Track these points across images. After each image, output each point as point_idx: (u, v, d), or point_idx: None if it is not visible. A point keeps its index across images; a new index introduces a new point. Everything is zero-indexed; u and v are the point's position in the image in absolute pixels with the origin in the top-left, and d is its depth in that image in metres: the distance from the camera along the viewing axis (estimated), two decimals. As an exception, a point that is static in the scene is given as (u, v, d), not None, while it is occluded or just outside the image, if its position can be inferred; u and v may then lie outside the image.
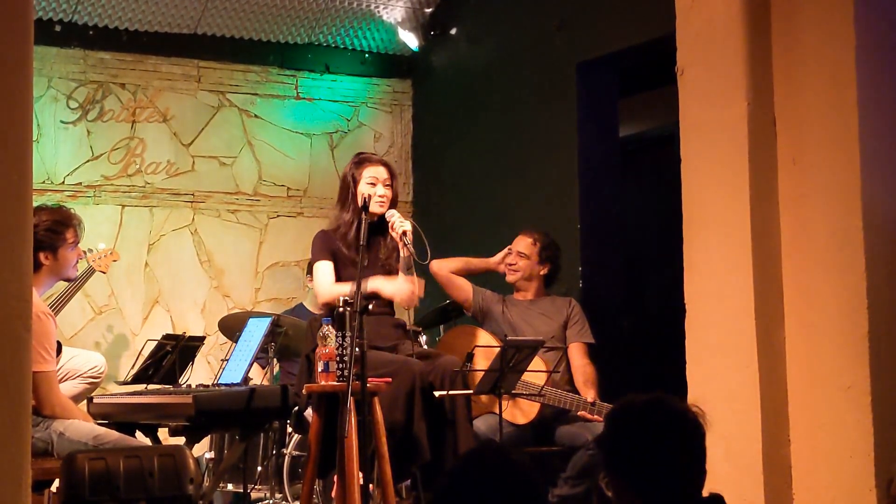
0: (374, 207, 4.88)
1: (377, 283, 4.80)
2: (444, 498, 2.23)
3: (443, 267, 5.84)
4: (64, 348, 5.22)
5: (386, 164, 5.04)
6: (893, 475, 3.32)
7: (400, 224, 4.81)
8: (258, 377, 6.04)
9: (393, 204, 4.96)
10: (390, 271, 4.92)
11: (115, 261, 6.54)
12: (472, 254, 6.05)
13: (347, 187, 4.97)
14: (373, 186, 4.91)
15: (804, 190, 4.00)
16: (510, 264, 5.90)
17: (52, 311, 5.51)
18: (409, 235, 4.79)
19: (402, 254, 4.85)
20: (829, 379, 3.89)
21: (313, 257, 5.00)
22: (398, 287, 4.83)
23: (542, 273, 5.91)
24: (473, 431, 4.88)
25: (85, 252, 6.20)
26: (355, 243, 4.81)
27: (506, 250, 5.95)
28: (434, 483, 2.32)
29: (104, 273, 6.53)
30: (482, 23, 7.41)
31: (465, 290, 5.88)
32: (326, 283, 4.86)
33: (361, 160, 5.02)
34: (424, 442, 4.60)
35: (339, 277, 4.88)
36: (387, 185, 4.94)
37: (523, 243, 5.91)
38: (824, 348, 3.91)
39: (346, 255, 4.87)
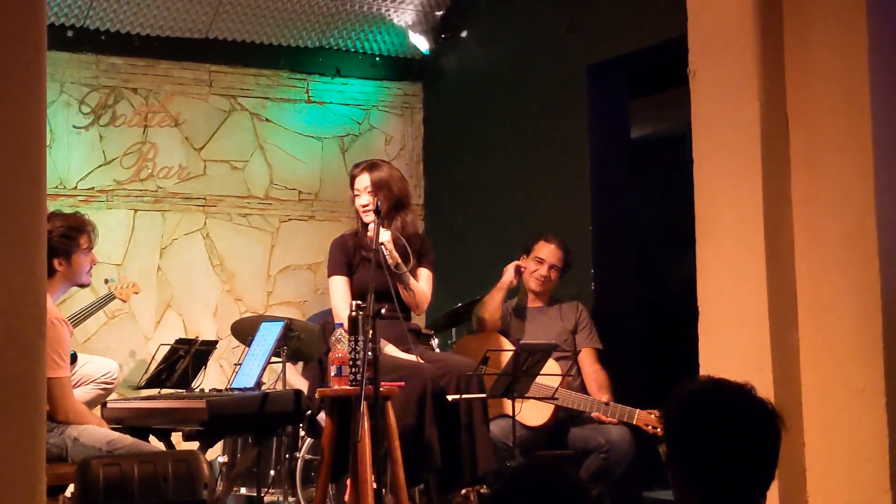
0: (364, 218, 4.97)
1: (391, 350, 4.82)
2: None
3: (492, 318, 5.78)
4: (78, 355, 5.23)
5: (368, 169, 5.01)
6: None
7: (380, 235, 4.75)
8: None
9: (397, 206, 4.96)
10: (401, 277, 4.95)
11: (135, 293, 6.56)
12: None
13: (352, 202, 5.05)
14: (358, 197, 4.99)
15: (817, 190, 3.99)
16: (542, 276, 5.83)
17: (73, 321, 5.53)
18: (388, 245, 4.83)
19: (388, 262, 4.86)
20: (844, 381, 3.87)
21: (328, 270, 5.07)
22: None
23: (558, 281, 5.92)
24: (490, 434, 4.87)
25: (108, 280, 6.28)
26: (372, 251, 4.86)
27: (513, 266, 5.88)
28: (486, 496, 2.27)
29: (124, 301, 6.55)
30: (493, 25, 7.41)
31: (500, 325, 5.85)
32: (341, 305, 4.87)
33: (350, 175, 5.09)
34: (436, 448, 4.59)
35: (352, 281, 4.90)
36: (369, 193, 4.95)
37: (555, 255, 5.85)
38: (838, 350, 3.90)
39: (363, 257, 4.88)
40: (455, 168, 7.68)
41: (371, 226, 4.80)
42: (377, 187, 4.94)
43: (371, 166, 5.04)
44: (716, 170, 4.18)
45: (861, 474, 3.79)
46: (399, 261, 4.85)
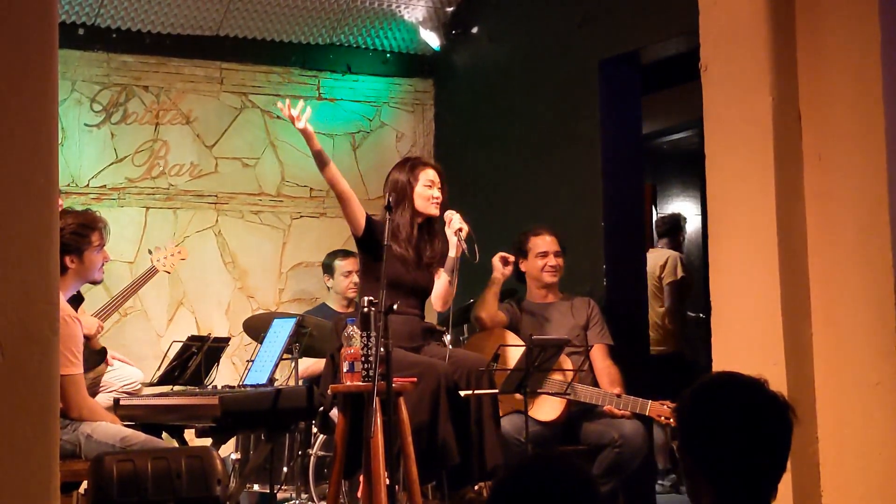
0: (430, 209, 4.97)
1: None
2: (502, 500, 2.18)
3: (489, 315, 5.75)
4: (111, 360, 5.22)
5: (438, 168, 5.11)
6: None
7: (459, 222, 4.90)
8: None
9: (444, 207, 5.01)
10: (430, 273, 4.99)
11: (182, 259, 6.18)
12: (493, 254, 5.99)
13: (403, 190, 4.97)
14: (430, 189, 4.97)
15: (830, 185, 3.98)
16: (553, 265, 5.82)
17: (104, 314, 5.48)
18: (465, 233, 4.88)
19: (451, 254, 4.90)
20: (857, 375, 3.87)
21: None
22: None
23: None
24: (500, 431, 4.87)
25: (150, 250, 6.13)
26: (404, 244, 4.89)
27: (498, 257, 5.81)
28: (493, 486, 2.29)
29: (169, 273, 6.23)
30: (503, 21, 7.40)
31: (505, 320, 5.83)
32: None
33: (416, 164, 5.07)
34: (452, 444, 4.59)
35: (378, 272, 4.81)
36: (440, 188, 5.01)
37: (553, 243, 5.84)
38: (851, 345, 3.89)
39: (396, 252, 4.86)
40: (466, 164, 7.67)
41: (447, 213, 4.93)
42: (444, 182, 5.06)
43: (434, 163, 5.18)
44: (728, 165, 4.17)
45: (875, 469, 3.79)
46: (466, 248, 4.88)
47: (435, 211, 4.98)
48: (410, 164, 5.05)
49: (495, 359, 4.86)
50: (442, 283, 4.95)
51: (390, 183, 5.04)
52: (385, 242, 4.65)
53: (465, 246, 4.87)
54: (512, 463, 2.34)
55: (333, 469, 4.55)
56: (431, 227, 5.04)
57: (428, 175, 5.01)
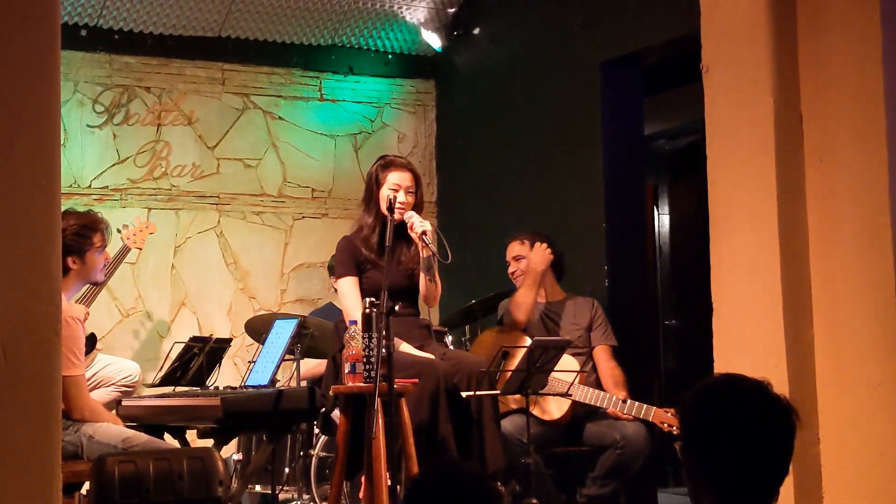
0: (399, 214, 4.84)
1: (406, 348, 4.75)
2: None
3: (525, 315, 5.73)
4: (100, 355, 5.23)
5: (411, 170, 4.97)
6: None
7: (420, 224, 4.76)
8: None
9: (418, 209, 4.90)
10: (412, 274, 4.92)
11: (151, 233, 6.39)
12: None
13: (371, 188, 4.95)
14: (395, 192, 4.85)
15: (831, 187, 3.97)
16: (513, 273, 5.86)
17: (89, 300, 5.49)
18: (430, 235, 4.77)
19: (422, 254, 4.84)
20: (859, 377, 3.86)
21: (336, 271, 4.99)
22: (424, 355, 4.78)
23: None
24: (501, 431, 4.87)
25: (119, 230, 6.15)
26: (377, 247, 4.83)
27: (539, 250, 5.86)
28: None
29: (140, 249, 6.41)
30: (505, 22, 7.40)
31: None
32: (353, 306, 4.77)
33: (388, 163, 4.96)
34: (452, 445, 4.58)
35: (361, 281, 4.87)
36: (409, 192, 4.89)
37: (514, 249, 5.88)
38: (853, 347, 3.89)
39: (367, 257, 4.86)
40: (468, 165, 7.68)
41: (407, 215, 4.80)
42: (417, 186, 4.93)
43: (409, 164, 5.02)
44: (730, 167, 4.17)
45: (876, 471, 3.78)
46: (435, 252, 4.79)
47: (396, 215, 4.80)
48: (383, 163, 4.97)
49: (504, 357, 4.86)
50: (422, 282, 4.90)
51: (366, 178, 5.04)
52: (387, 244, 4.65)
53: (433, 249, 4.76)
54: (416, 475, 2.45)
55: (335, 470, 4.55)
56: (404, 228, 4.87)
57: (394, 178, 4.89)
